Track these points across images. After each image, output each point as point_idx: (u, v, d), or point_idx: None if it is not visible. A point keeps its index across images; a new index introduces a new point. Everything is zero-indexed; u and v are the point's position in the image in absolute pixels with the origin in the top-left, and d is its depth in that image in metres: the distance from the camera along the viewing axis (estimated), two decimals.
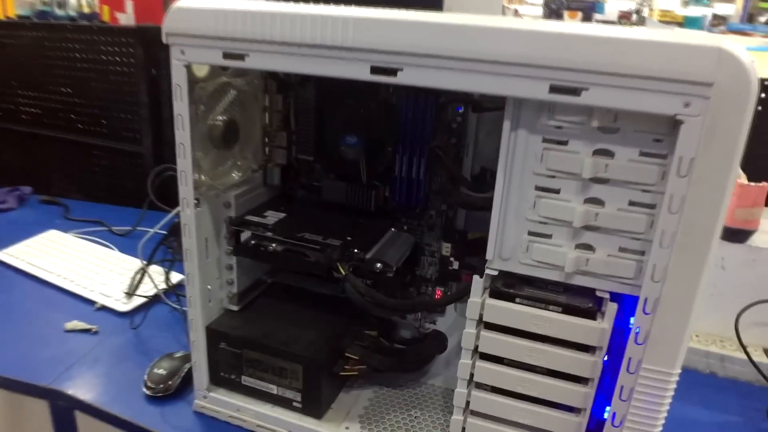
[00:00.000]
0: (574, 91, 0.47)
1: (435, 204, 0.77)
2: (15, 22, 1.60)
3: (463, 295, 0.71)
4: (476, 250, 0.69)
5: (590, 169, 0.51)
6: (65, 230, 1.29)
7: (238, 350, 0.76)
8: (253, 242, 0.74)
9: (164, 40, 0.61)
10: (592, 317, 0.56)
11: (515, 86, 0.49)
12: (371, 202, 0.77)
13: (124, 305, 1.00)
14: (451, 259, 0.78)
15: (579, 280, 0.55)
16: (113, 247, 1.23)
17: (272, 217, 0.76)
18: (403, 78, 0.53)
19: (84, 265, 1.13)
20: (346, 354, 0.76)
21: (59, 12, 1.68)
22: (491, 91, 0.51)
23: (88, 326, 0.95)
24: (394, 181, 0.74)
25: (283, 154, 0.80)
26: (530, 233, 0.56)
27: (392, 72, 0.53)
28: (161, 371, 0.81)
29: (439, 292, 0.81)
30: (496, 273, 0.59)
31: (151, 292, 1.00)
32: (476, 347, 0.61)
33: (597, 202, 0.52)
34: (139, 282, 0.97)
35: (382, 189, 0.78)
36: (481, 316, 0.59)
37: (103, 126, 1.45)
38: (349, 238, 0.72)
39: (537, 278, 0.57)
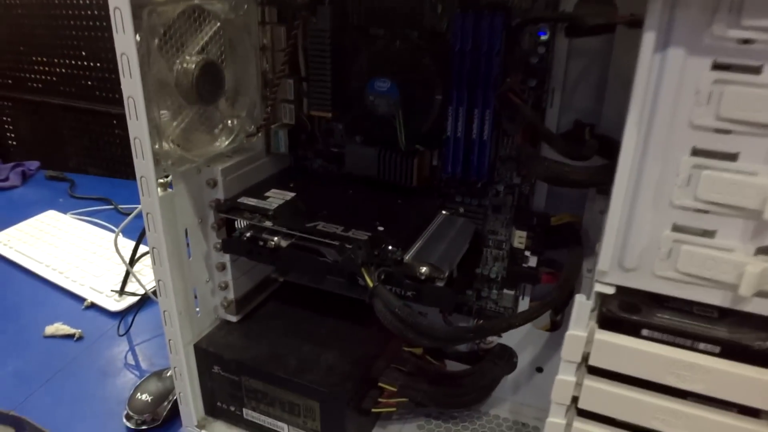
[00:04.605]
0: None
1: (503, 176, 0.54)
2: None
3: (547, 309, 0.50)
4: (561, 241, 0.52)
5: None
6: (67, 210, 1.13)
7: (235, 377, 0.57)
8: (248, 235, 0.53)
9: None
10: None
11: None
12: (412, 175, 0.55)
13: (116, 303, 0.83)
14: (526, 253, 0.55)
15: (759, 306, 0.35)
16: (115, 229, 1.05)
17: (276, 198, 0.55)
18: None
19: (78, 253, 0.96)
20: (380, 384, 0.56)
21: None
22: None
23: (71, 331, 0.79)
24: (446, 144, 0.52)
25: (290, 111, 0.59)
26: (677, 228, 0.35)
27: None
28: (145, 397, 0.64)
29: None
30: (612, 291, 0.37)
31: (143, 290, 0.82)
32: (574, 399, 0.39)
33: None
34: (125, 282, 0.79)
35: (427, 156, 0.56)
36: (585, 356, 0.37)
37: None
38: (381, 229, 0.50)
39: (676, 298, 0.35)
